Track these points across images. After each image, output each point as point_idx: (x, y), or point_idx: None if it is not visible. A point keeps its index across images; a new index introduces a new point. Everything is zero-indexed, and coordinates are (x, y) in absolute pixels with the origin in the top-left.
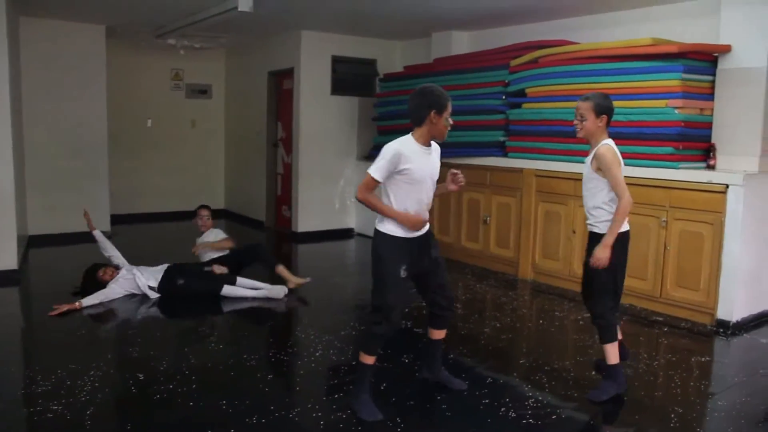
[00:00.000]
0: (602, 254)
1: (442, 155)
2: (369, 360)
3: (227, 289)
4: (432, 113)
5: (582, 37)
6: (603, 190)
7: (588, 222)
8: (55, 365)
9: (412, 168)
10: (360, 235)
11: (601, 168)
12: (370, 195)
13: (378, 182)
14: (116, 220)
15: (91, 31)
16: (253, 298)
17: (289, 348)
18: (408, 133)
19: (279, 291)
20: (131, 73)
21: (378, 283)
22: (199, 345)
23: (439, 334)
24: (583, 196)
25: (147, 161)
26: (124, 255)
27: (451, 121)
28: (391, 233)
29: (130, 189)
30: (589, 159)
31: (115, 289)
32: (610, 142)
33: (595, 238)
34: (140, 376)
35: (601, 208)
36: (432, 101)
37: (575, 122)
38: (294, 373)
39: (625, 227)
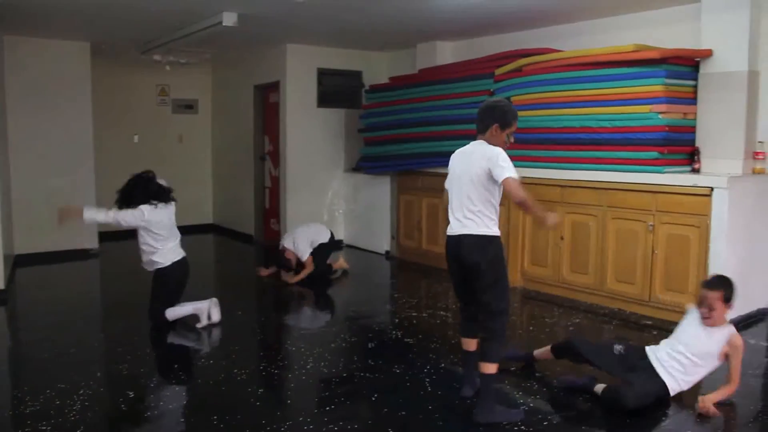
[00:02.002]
0: None
1: (433, 165)
2: (495, 369)
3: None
4: (495, 127)
5: (565, 45)
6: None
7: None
8: (43, 385)
9: None
10: (350, 246)
11: (730, 353)
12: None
13: None
14: (105, 237)
15: (75, 48)
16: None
17: (279, 361)
18: (403, 144)
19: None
20: (117, 89)
21: (502, 287)
22: (189, 361)
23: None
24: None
25: None
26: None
27: (512, 139)
28: (497, 234)
29: None
30: (714, 336)
31: (125, 218)
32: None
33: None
34: (130, 393)
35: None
36: (499, 118)
37: (703, 310)
38: (285, 386)
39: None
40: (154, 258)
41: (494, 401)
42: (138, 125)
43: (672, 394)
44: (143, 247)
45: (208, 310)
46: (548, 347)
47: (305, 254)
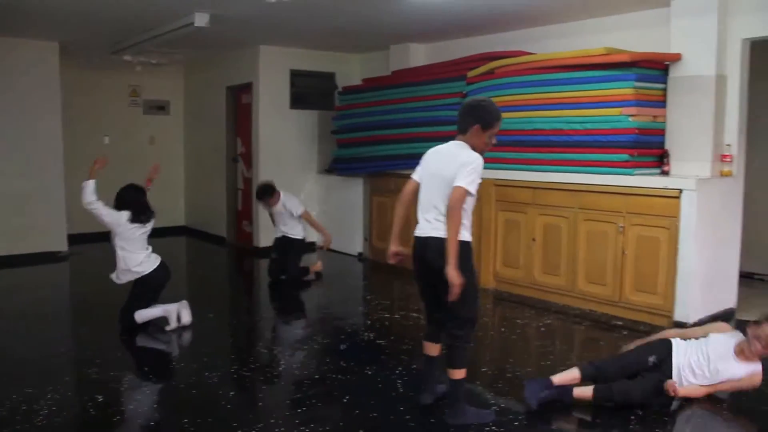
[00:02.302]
0: None
1: (406, 167)
2: (463, 374)
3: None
4: (476, 128)
5: (537, 48)
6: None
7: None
8: (9, 390)
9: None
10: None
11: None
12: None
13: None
14: (74, 239)
15: (44, 48)
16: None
17: (251, 363)
18: (376, 145)
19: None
20: (87, 89)
21: (470, 294)
22: (160, 363)
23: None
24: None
25: (105, 179)
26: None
27: (494, 141)
28: (468, 240)
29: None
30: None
31: (107, 214)
32: None
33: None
34: (99, 397)
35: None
36: (480, 119)
37: (757, 347)
38: (256, 388)
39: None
40: (134, 268)
41: (465, 403)
42: (109, 127)
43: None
44: (120, 252)
45: (177, 312)
46: (573, 371)
47: (299, 208)
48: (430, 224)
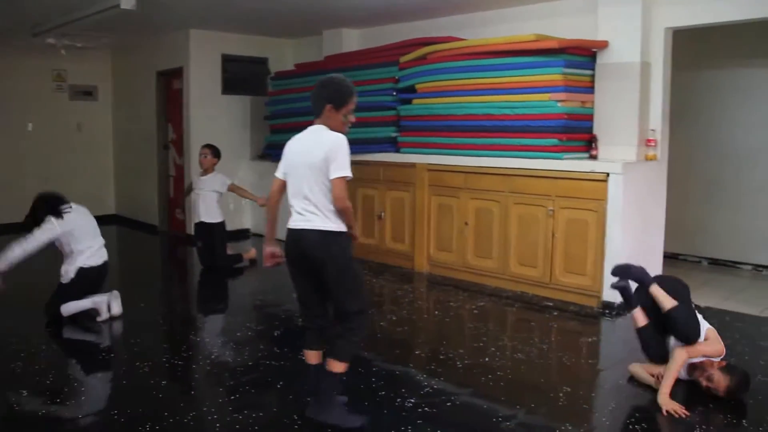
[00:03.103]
0: None
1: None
2: (344, 368)
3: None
4: (328, 108)
5: (469, 34)
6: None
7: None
8: None
9: None
10: (258, 235)
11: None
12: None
13: None
14: None
15: None
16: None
17: (183, 352)
18: (313, 128)
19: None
20: (7, 73)
21: (354, 286)
22: (89, 356)
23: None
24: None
25: (30, 168)
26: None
27: (352, 118)
28: (345, 231)
29: (11, 198)
30: None
31: (39, 237)
32: None
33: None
34: (24, 392)
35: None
36: (331, 96)
37: (701, 379)
38: (189, 377)
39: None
40: (83, 261)
41: (335, 401)
42: (32, 113)
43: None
44: (69, 255)
45: (107, 303)
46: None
47: (227, 181)
48: (302, 216)
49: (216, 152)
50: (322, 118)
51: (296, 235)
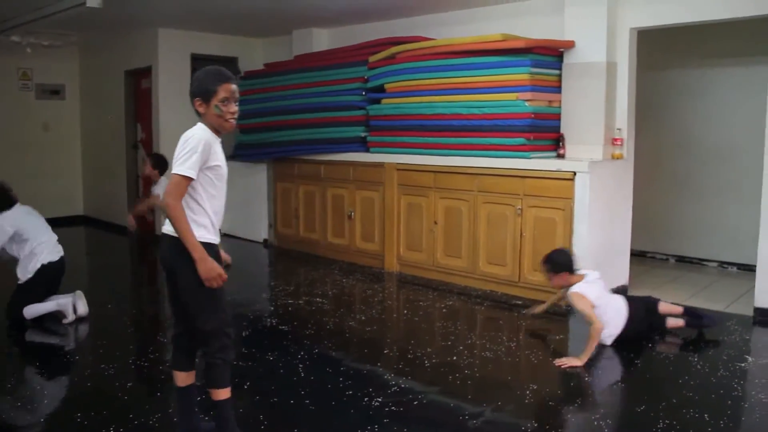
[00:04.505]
0: None
1: (309, 153)
2: (227, 393)
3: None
4: (197, 103)
5: (437, 34)
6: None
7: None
8: None
9: (221, 164)
10: (227, 235)
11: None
12: (180, 204)
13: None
14: None
15: None
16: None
17: (150, 354)
18: (279, 131)
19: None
20: None
21: (208, 302)
22: (53, 358)
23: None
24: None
25: None
26: None
27: (231, 108)
28: (207, 240)
29: None
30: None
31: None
32: None
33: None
34: None
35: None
36: (195, 89)
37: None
38: (155, 378)
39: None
40: (41, 259)
41: (236, 426)
42: None
43: (609, 340)
44: (24, 256)
45: (72, 304)
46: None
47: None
48: (166, 219)
49: (155, 162)
50: (200, 117)
51: (160, 238)
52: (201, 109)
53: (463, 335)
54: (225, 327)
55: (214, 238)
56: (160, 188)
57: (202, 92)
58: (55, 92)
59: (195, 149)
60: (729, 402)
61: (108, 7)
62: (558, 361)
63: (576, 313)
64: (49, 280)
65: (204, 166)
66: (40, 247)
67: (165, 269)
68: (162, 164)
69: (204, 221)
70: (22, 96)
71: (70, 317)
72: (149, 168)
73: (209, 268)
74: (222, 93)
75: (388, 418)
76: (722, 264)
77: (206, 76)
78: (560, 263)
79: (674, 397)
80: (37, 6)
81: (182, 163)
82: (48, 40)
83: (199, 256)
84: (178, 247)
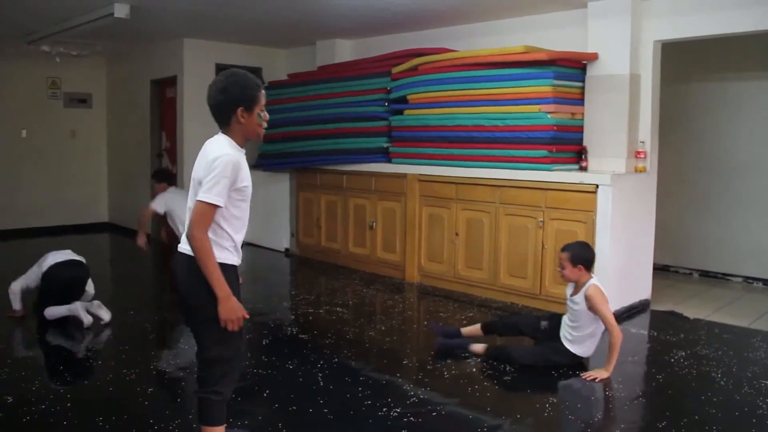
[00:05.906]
0: None
1: (332, 163)
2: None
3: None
4: (239, 111)
5: (460, 45)
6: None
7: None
8: None
9: (248, 184)
10: (249, 244)
11: (592, 304)
12: (208, 238)
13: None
14: None
15: None
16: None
17: (171, 360)
18: (302, 141)
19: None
20: (1, 81)
21: (223, 335)
22: (76, 362)
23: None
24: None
25: (24, 174)
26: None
27: (266, 116)
28: (228, 262)
29: (5, 204)
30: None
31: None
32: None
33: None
34: (9, 398)
35: None
36: (238, 97)
37: (557, 269)
38: (176, 385)
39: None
40: (44, 266)
41: None
42: (26, 119)
43: (585, 356)
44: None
45: (84, 309)
46: (477, 325)
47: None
48: (185, 237)
49: (158, 177)
50: (231, 127)
51: (176, 257)
52: (243, 119)
53: None
54: (234, 359)
55: (236, 260)
56: (156, 203)
57: (247, 100)
58: (83, 101)
59: (224, 174)
60: (753, 420)
61: (135, 18)
62: (585, 375)
63: (576, 321)
64: (59, 287)
65: (232, 188)
66: (51, 256)
67: (179, 293)
68: (166, 177)
69: (227, 244)
70: (51, 104)
71: (86, 321)
72: (156, 185)
73: (231, 309)
74: (263, 99)
75: (407, 429)
76: (747, 279)
77: (246, 82)
78: (582, 255)
79: (697, 413)
80: (66, 17)
81: (209, 190)
82: (76, 50)
83: (223, 295)
84: (198, 275)
